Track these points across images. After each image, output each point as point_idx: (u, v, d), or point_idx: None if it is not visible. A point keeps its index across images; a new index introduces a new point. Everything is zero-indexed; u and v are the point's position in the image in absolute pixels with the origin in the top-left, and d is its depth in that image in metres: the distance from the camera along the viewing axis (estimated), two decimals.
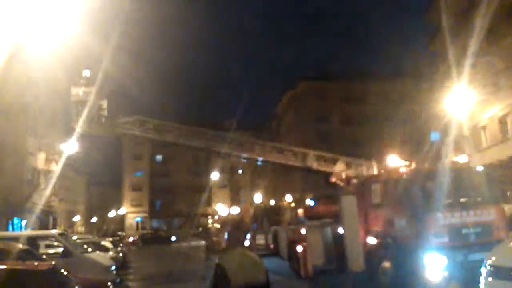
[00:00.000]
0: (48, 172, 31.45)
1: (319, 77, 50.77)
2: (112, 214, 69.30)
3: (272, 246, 18.01)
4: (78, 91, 17.06)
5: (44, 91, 26.90)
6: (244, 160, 21.14)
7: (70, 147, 25.88)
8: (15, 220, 26.17)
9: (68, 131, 24.80)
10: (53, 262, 7.56)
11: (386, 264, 9.53)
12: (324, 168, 16.11)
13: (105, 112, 17.45)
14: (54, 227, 31.45)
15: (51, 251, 11.46)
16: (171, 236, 48.56)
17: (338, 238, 11.78)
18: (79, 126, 17.32)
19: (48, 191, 28.67)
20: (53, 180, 28.71)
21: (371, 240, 10.28)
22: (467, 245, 8.66)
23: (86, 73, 17.46)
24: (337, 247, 11.75)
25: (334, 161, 15.75)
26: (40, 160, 31.30)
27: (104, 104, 17.66)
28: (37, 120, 28.58)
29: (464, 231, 8.89)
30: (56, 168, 29.98)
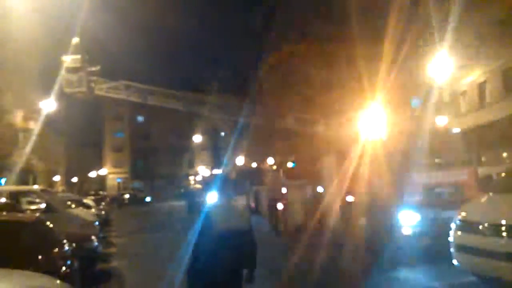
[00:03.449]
0: (27, 131, 30.94)
1: (303, 40, 50.16)
2: (93, 174, 69.05)
3: (253, 205, 18.42)
4: (67, 59, 16.61)
5: (24, 48, 26.06)
6: (225, 122, 21.15)
7: (49, 105, 25.43)
8: None
9: (47, 90, 24.27)
10: (37, 214, 7.66)
11: (362, 221, 9.94)
12: (303, 129, 16.25)
13: (95, 79, 17.13)
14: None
15: (33, 207, 11.49)
16: (145, 197, 48.99)
17: (317, 197, 12.16)
18: (66, 90, 17.01)
19: (27, 150, 28.31)
20: (32, 139, 28.29)
21: (349, 198, 10.63)
22: (439, 203, 9.04)
23: (75, 40, 16.99)
24: (316, 205, 12.14)
25: (314, 123, 15.88)
26: (18, 118, 30.70)
27: (95, 70, 17.29)
28: (13, 76, 27.81)
29: (437, 190, 9.28)
30: (35, 127, 29.49)
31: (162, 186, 65.22)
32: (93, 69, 17.41)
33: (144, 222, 23.33)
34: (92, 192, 37.87)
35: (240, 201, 21.23)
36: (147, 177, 67.86)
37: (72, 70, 16.77)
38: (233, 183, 4.96)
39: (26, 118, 31.41)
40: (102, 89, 17.56)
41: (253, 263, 4.15)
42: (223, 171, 33.44)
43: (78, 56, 16.79)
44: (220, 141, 66.83)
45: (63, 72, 17.02)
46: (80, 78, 16.86)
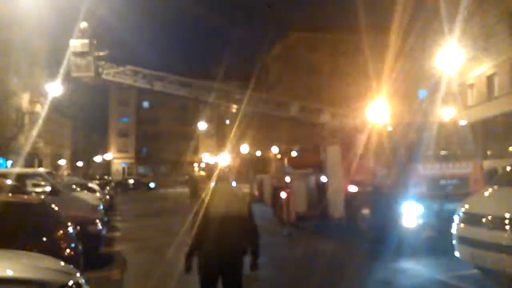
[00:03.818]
0: (33, 114, 31.06)
1: (310, 29, 49.85)
2: (98, 159, 69.43)
3: (257, 193, 18.46)
4: (76, 43, 16.61)
5: (30, 31, 26.04)
6: (233, 111, 21.04)
7: (56, 89, 25.45)
8: (0, 160, 26.13)
9: (53, 73, 24.27)
10: (42, 197, 7.73)
11: (365, 211, 9.94)
12: (308, 118, 16.15)
13: (103, 63, 17.13)
14: None
15: (38, 190, 11.56)
16: (149, 182, 49.16)
17: (321, 186, 12.16)
18: (74, 74, 17.02)
19: (33, 133, 28.44)
20: (38, 122, 28.40)
21: (353, 188, 10.62)
22: (443, 195, 9.02)
23: (83, 24, 16.96)
24: (319, 194, 12.16)
25: (319, 112, 15.77)
26: (24, 101, 30.82)
27: (103, 54, 17.28)
28: (20, 59, 27.84)
29: (442, 182, 9.25)
30: (41, 110, 29.59)
31: (166, 172, 65.51)
32: (101, 54, 17.37)
33: (148, 207, 23.52)
34: (97, 177, 38.04)
35: (244, 189, 21.37)
36: (152, 162, 68.19)
37: (80, 55, 16.75)
38: (235, 171, 5.05)
39: (32, 101, 31.54)
40: (110, 74, 17.49)
41: (256, 250, 4.19)
42: (227, 158, 33.49)
43: (86, 41, 16.74)
44: (225, 129, 66.82)
45: (71, 56, 16.98)
46: (88, 62, 16.83)
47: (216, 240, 3.97)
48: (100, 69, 17.29)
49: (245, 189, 21.70)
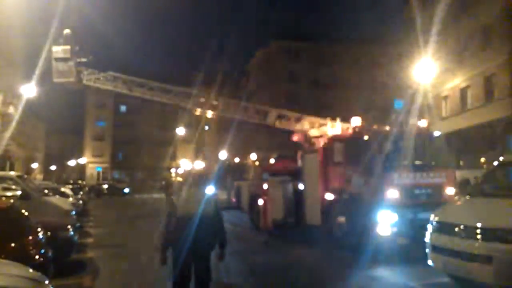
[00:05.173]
0: (5, 116, 30.25)
1: (291, 38, 50.34)
2: (72, 163, 68.02)
3: (234, 200, 18.39)
4: (57, 49, 16.82)
5: (5, 33, 25.42)
6: (210, 116, 21.02)
7: (30, 90, 24.89)
8: None
9: (27, 75, 23.73)
10: (11, 201, 7.49)
11: (341, 219, 10.00)
12: (286, 126, 16.25)
13: (84, 69, 17.23)
14: None
15: (8, 193, 11.20)
16: (124, 188, 48.25)
17: (298, 194, 12.19)
18: (56, 79, 17.08)
19: (5, 135, 27.68)
20: (11, 124, 27.67)
21: (329, 196, 10.68)
22: (417, 204, 9.17)
23: (66, 31, 17.07)
24: (296, 202, 12.18)
25: (297, 120, 15.87)
26: None
27: (85, 61, 17.39)
28: None
29: (416, 191, 9.40)
30: (15, 112, 28.84)
31: (142, 177, 64.61)
32: (83, 60, 17.50)
33: (122, 213, 23.11)
34: (71, 181, 37.23)
35: (223, 196, 21.27)
36: (128, 167, 67.16)
37: (61, 60, 16.91)
38: (206, 178, 5.65)
39: (5, 103, 30.70)
40: (91, 80, 17.55)
41: (223, 244, 4.92)
42: (204, 165, 33.31)
43: (68, 47, 16.93)
44: (203, 135, 66.53)
45: (52, 61, 17.07)
46: (70, 68, 17.04)
47: (187, 235, 4.63)
48: (82, 75, 17.39)
49: (223, 196, 21.62)
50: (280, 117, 16.68)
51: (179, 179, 39.38)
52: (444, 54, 24.28)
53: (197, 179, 5.00)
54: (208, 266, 4.86)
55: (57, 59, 16.96)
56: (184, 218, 4.70)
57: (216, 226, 4.87)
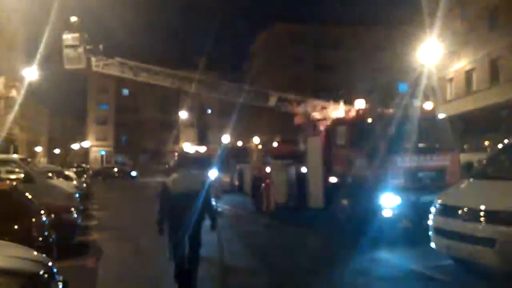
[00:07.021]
0: (8, 99, 30.20)
1: (295, 20, 49.74)
2: (75, 146, 68.21)
3: (237, 182, 18.40)
4: (67, 36, 17.05)
5: (7, 15, 25.20)
6: (212, 100, 21.05)
7: (32, 73, 24.81)
8: None
9: (30, 58, 23.63)
10: (14, 183, 7.50)
11: (344, 202, 10.00)
12: (288, 109, 16.17)
13: (93, 56, 17.47)
14: None
15: (12, 176, 11.24)
16: (131, 172, 48.81)
17: (301, 177, 12.17)
18: (66, 66, 17.36)
19: (9, 119, 27.68)
20: (14, 107, 27.65)
21: (332, 179, 10.66)
22: (421, 187, 9.14)
23: (73, 18, 17.22)
24: (299, 185, 12.17)
25: (299, 103, 15.75)
26: None
27: (94, 47, 17.62)
28: None
29: (419, 174, 9.36)
30: (17, 95, 28.79)
31: (146, 161, 64.75)
32: (92, 47, 17.71)
33: (127, 196, 23.24)
34: (75, 164, 37.38)
35: (226, 179, 21.34)
36: (131, 151, 67.26)
37: (71, 48, 17.14)
38: (201, 161, 6.48)
39: (7, 86, 30.61)
40: (99, 66, 17.73)
41: (214, 217, 5.76)
42: (207, 148, 33.32)
43: (77, 35, 17.11)
44: (206, 119, 66.40)
45: (63, 49, 17.36)
46: (79, 55, 17.31)
47: (181, 209, 5.40)
48: (91, 62, 17.60)
49: (226, 178, 21.64)
50: (281, 100, 16.56)
51: (175, 159, 39.43)
52: (449, 36, 23.94)
53: (190, 161, 5.97)
54: (199, 236, 5.60)
55: (67, 46, 17.23)
56: (177, 195, 5.44)
57: (205, 202, 5.56)
